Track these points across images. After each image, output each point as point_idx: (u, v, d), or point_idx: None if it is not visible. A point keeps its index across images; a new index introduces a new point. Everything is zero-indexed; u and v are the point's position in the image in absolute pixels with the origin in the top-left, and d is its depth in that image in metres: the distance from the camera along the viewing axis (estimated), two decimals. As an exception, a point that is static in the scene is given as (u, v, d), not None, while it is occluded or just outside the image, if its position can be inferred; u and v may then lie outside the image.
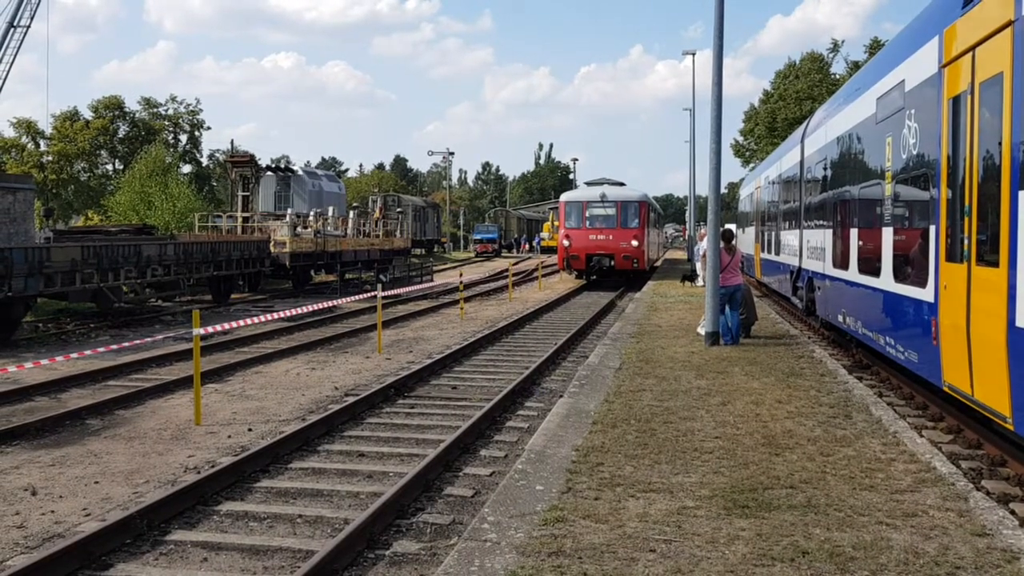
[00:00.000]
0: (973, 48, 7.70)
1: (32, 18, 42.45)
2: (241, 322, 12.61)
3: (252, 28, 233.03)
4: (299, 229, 30.01)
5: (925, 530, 5.52)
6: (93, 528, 6.35)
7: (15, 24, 42.07)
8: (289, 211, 31.20)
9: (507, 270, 32.86)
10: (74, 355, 11.32)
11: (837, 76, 58.06)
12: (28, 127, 62.90)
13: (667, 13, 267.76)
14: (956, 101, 8.17)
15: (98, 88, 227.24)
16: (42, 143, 64.21)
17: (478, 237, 71.22)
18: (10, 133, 64.35)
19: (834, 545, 5.25)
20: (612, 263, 30.99)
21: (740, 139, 68.84)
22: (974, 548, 5.21)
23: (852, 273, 12.54)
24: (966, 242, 7.77)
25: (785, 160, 21.49)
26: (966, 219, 7.79)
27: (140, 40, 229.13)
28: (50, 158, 62.94)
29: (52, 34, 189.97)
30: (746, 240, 30.51)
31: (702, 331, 14.51)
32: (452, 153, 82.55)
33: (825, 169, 15.29)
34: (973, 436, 8.80)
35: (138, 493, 7.58)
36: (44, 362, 10.60)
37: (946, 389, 8.49)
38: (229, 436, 9.62)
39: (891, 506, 5.98)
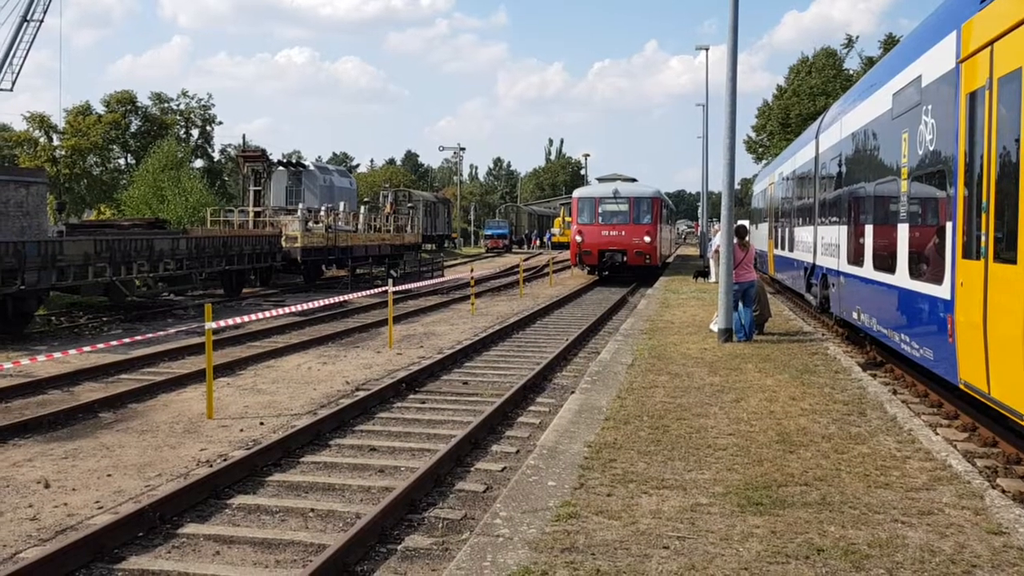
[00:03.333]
0: (991, 43, 7.62)
1: (45, 12, 42.67)
2: (253, 316, 12.62)
3: (266, 23, 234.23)
4: (310, 224, 30.07)
5: (941, 528, 5.47)
6: (105, 521, 6.36)
7: (28, 18, 42.23)
8: (300, 206, 31.26)
9: (518, 266, 32.83)
10: (86, 348, 11.35)
11: (851, 72, 57.75)
12: (41, 121, 63.23)
13: (682, 9, 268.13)
14: (973, 97, 8.08)
15: (113, 83, 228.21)
16: (55, 137, 64.55)
17: (489, 233, 71.22)
18: (23, 127, 64.81)
19: (849, 543, 5.21)
20: (624, 259, 30.95)
21: (753, 135, 68.55)
22: (990, 546, 5.16)
23: (867, 270, 12.46)
24: (983, 239, 7.70)
25: (799, 156, 21.37)
26: (983, 216, 7.71)
27: (155, 35, 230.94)
28: (63, 152, 63.25)
29: (68, 29, 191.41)
30: (759, 236, 30.34)
31: (715, 327, 14.45)
32: (463, 148, 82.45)
33: (840, 165, 15.19)
34: (988, 434, 8.73)
35: (150, 486, 7.60)
36: (57, 355, 10.63)
37: (962, 387, 8.42)
38: (241, 430, 9.63)
39: (906, 504, 5.93)
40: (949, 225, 8.72)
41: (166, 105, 72.26)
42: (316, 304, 14.83)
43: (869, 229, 12.50)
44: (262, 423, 9.94)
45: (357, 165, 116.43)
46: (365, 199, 49.52)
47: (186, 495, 6.95)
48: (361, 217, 35.57)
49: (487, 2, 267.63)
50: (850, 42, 61.32)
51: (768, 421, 8.38)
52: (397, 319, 18.91)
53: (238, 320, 12.16)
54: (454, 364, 13.79)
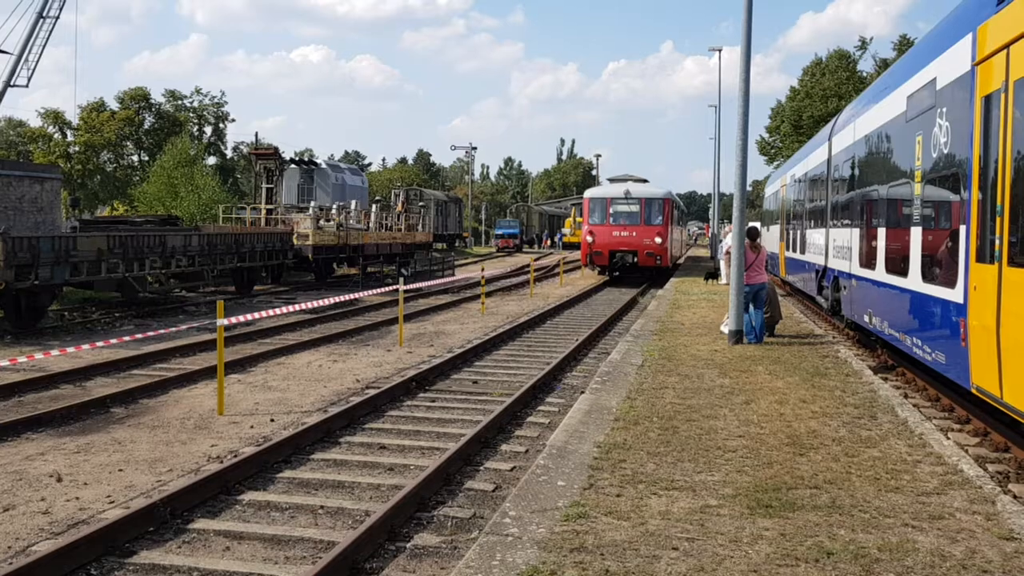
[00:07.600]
0: (1007, 46, 7.57)
1: (61, 9, 42.73)
2: (264, 313, 12.68)
3: (283, 21, 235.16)
4: (322, 222, 30.12)
5: (952, 533, 5.45)
6: (117, 515, 6.40)
7: (44, 15, 42.36)
8: (312, 204, 31.32)
9: (528, 265, 32.85)
10: (99, 344, 11.39)
11: (865, 74, 57.48)
12: (55, 117, 63.54)
13: (699, 10, 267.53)
14: (989, 100, 8.04)
15: (130, 79, 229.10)
16: (69, 133, 64.84)
17: (499, 232, 71.22)
18: (38, 124, 65.17)
19: (859, 546, 5.19)
20: (635, 260, 30.93)
21: (766, 136, 68.33)
22: (1001, 552, 5.14)
23: (879, 273, 12.41)
24: (997, 243, 7.65)
25: (812, 158, 21.30)
26: (998, 219, 7.67)
27: (173, 32, 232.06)
28: (77, 148, 63.54)
29: (87, 25, 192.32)
30: (771, 238, 30.26)
31: (726, 329, 14.41)
32: (475, 148, 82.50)
33: (853, 167, 15.13)
34: (1001, 439, 8.69)
35: (161, 481, 7.63)
36: (70, 350, 10.68)
37: (974, 391, 8.38)
38: (252, 426, 9.66)
39: (917, 508, 5.91)
40: (963, 229, 8.67)
41: (180, 102, 72.56)
42: (327, 302, 14.87)
43: (882, 232, 12.45)
44: (272, 420, 9.98)
45: (369, 164, 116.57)
46: (377, 197, 49.59)
47: (197, 491, 6.98)
48: (373, 215, 35.61)
49: (504, 2, 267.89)
50: (864, 44, 61.03)
51: (778, 423, 8.36)
52: (407, 318, 18.93)
53: (249, 317, 12.20)
54: (464, 363, 13.80)
